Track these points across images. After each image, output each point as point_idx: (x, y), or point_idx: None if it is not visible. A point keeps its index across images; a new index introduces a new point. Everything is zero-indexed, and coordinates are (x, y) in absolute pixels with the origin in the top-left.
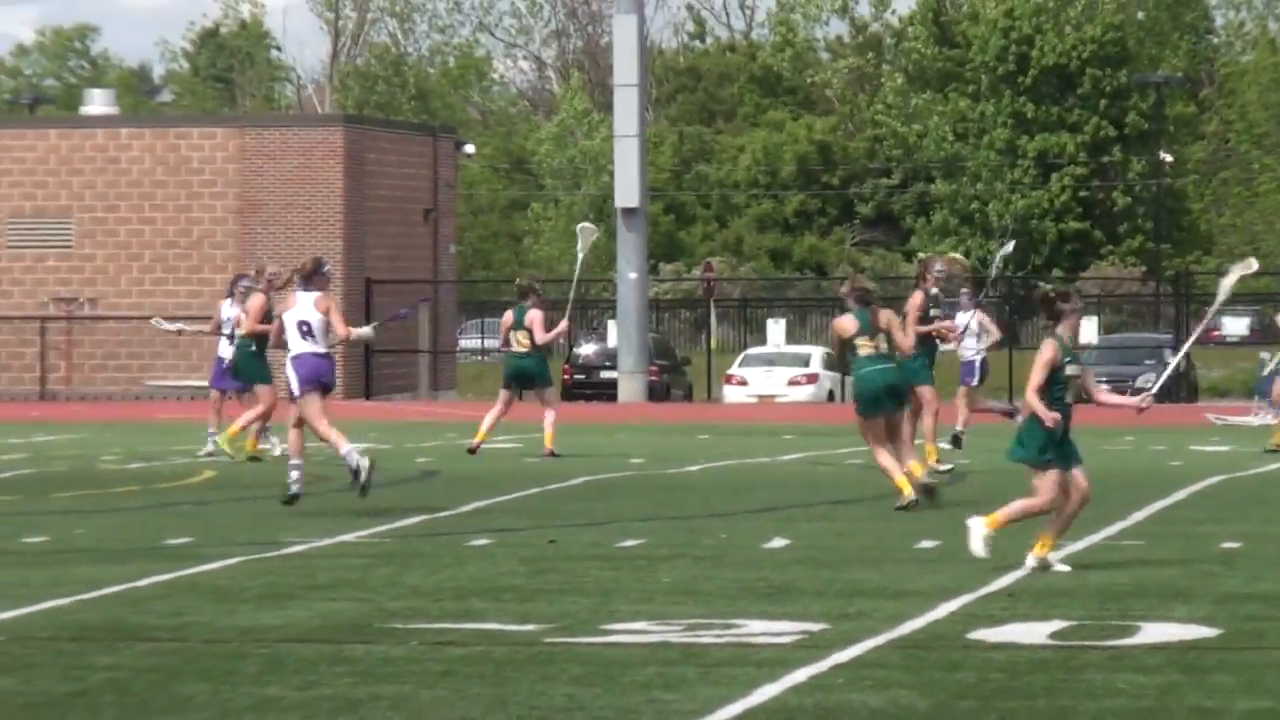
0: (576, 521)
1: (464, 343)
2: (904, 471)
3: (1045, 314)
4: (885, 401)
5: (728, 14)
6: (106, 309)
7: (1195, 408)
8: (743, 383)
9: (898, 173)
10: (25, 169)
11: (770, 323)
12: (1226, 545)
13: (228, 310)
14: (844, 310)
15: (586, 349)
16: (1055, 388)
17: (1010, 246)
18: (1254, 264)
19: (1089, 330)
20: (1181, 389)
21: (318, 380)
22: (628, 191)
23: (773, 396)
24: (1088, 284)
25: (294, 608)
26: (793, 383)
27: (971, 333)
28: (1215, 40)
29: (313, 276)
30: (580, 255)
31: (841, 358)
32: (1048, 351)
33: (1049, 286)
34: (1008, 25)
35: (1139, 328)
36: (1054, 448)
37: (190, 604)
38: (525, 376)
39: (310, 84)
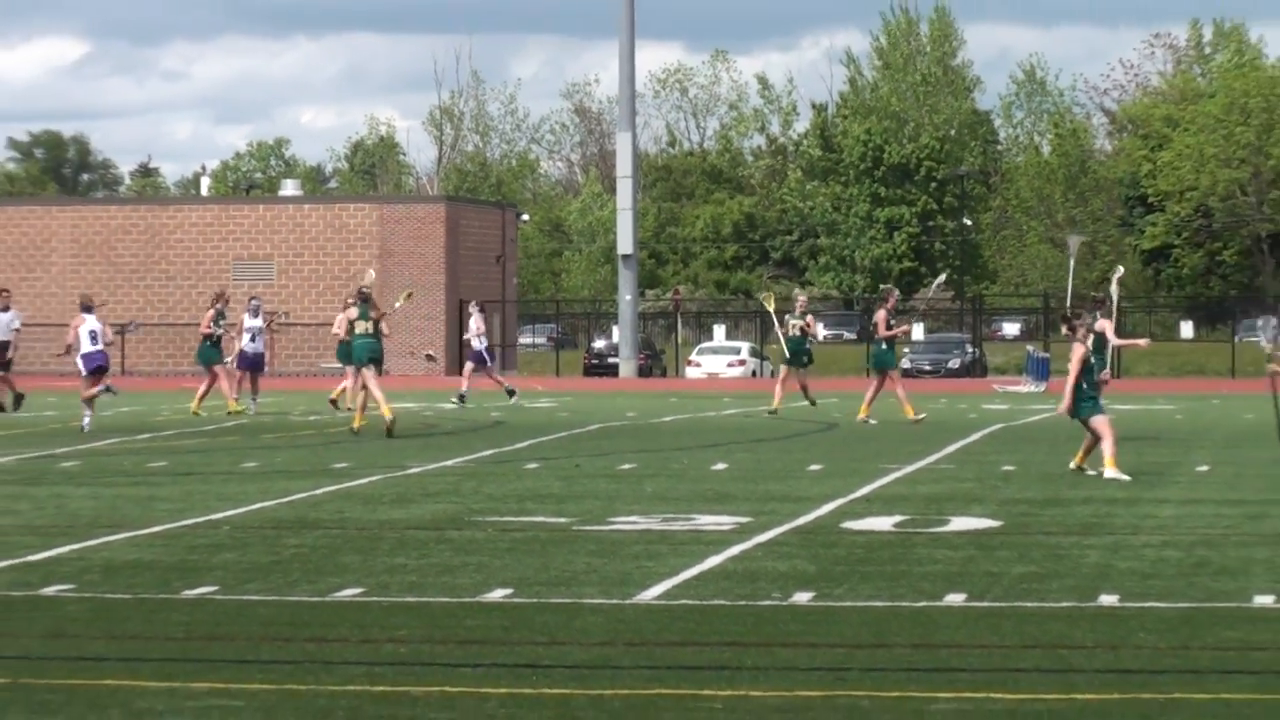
0: (592, 453)
1: (522, 339)
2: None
3: (1065, 328)
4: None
5: (688, 132)
6: (295, 318)
7: (985, 380)
8: (698, 365)
9: (796, 231)
10: (244, 230)
11: (715, 327)
12: (1005, 468)
13: (249, 321)
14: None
15: (599, 344)
16: (1088, 374)
17: (943, 277)
18: (1120, 269)
19: (918, 331)
20: (976, 369)
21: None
22: (625, 243)
23: (717, 374)
24: (918, 303)
25: (413, 507)
26: (730, 365)
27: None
28: (1000, 147)
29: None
30: (396, 305)
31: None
32: (1079, 351)
33: (1066, 310)
34: (867, 139)
35: (949, 330)
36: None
37: (347, 505)
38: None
39: (424, 176)
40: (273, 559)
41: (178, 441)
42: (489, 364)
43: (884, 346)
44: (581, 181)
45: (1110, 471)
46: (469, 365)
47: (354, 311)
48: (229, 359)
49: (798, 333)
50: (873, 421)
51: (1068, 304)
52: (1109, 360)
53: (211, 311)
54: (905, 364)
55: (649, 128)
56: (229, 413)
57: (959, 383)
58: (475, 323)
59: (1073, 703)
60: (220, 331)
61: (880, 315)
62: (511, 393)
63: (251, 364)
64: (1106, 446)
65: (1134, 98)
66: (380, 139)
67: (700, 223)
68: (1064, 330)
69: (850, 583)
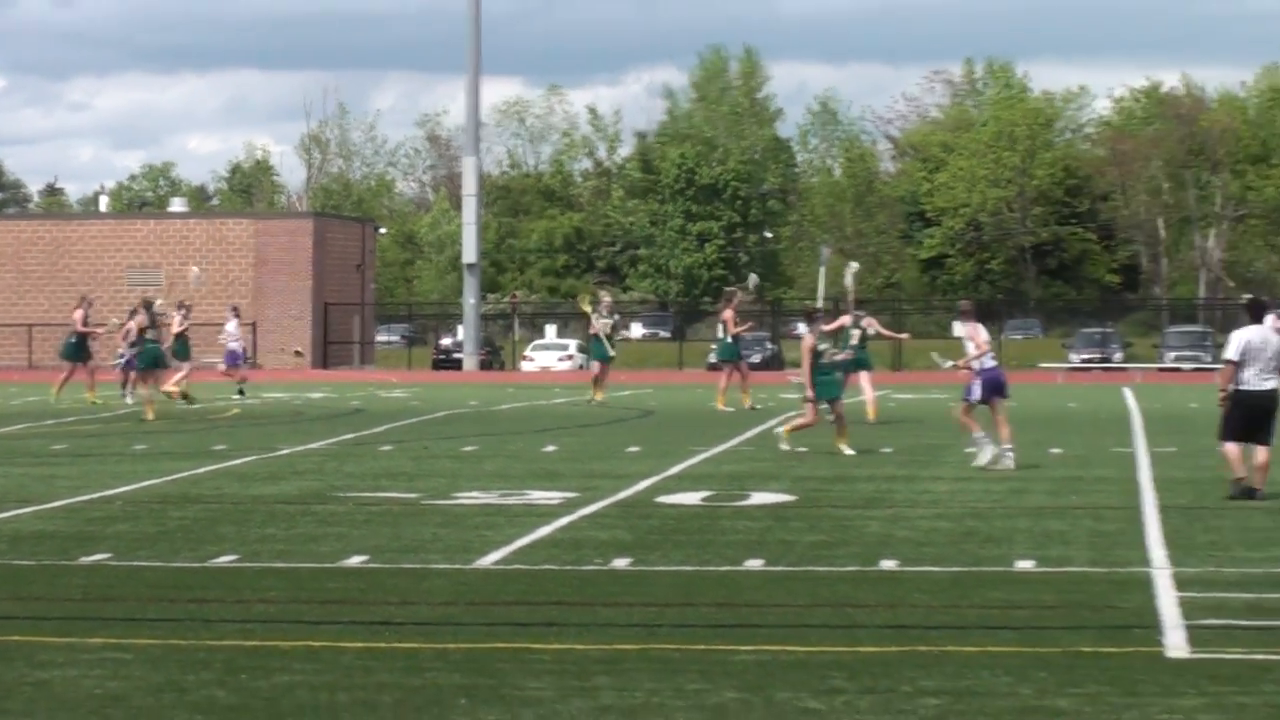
0: (439, 436)
1: (379, 337)
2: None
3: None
4: None
5: (526, 156)
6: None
7: (782, 373)
8: (532, 360)
9: (619, 243)
10: (137, 241)
11: (547, 327)
12: (799, 449)
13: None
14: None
15: (446, 341)
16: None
17: (754, 278)
18: (854, 265)
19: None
20: (775, 363)
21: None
22: (470, 254)
23: (549, 368)
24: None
25: (282, 484)
26: (560, 360)
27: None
28: (797, 169)
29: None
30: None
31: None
32: (808, 341)
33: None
34: (682, 162)
35: (754, 330)
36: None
37: (224, 483)
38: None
39: (295, 195)
40: (159, 529)
41: (77, 427)
42: (239, 363)
43: (729, 340)
44: (432, 199)
45: (785, 444)
46: (221, 365)
47: (144, 319)
48: (118, 354)
49: (609, 330)
50: (729, 409)
51: (818, 305)
52: (857, 351)
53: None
54: (712, 358)
55: (491, 153)
56: (90, 403)
57: (760, 375)
58: (231, 327)
59: (857, 654)
60: (105, 330)
61: (728, 314)
62: (241, 391)
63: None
64: (800, 421)
65: (914, 126)
66: (256, 162)
67: (535, 235)
68: (803, 325)
69: (663, 550)
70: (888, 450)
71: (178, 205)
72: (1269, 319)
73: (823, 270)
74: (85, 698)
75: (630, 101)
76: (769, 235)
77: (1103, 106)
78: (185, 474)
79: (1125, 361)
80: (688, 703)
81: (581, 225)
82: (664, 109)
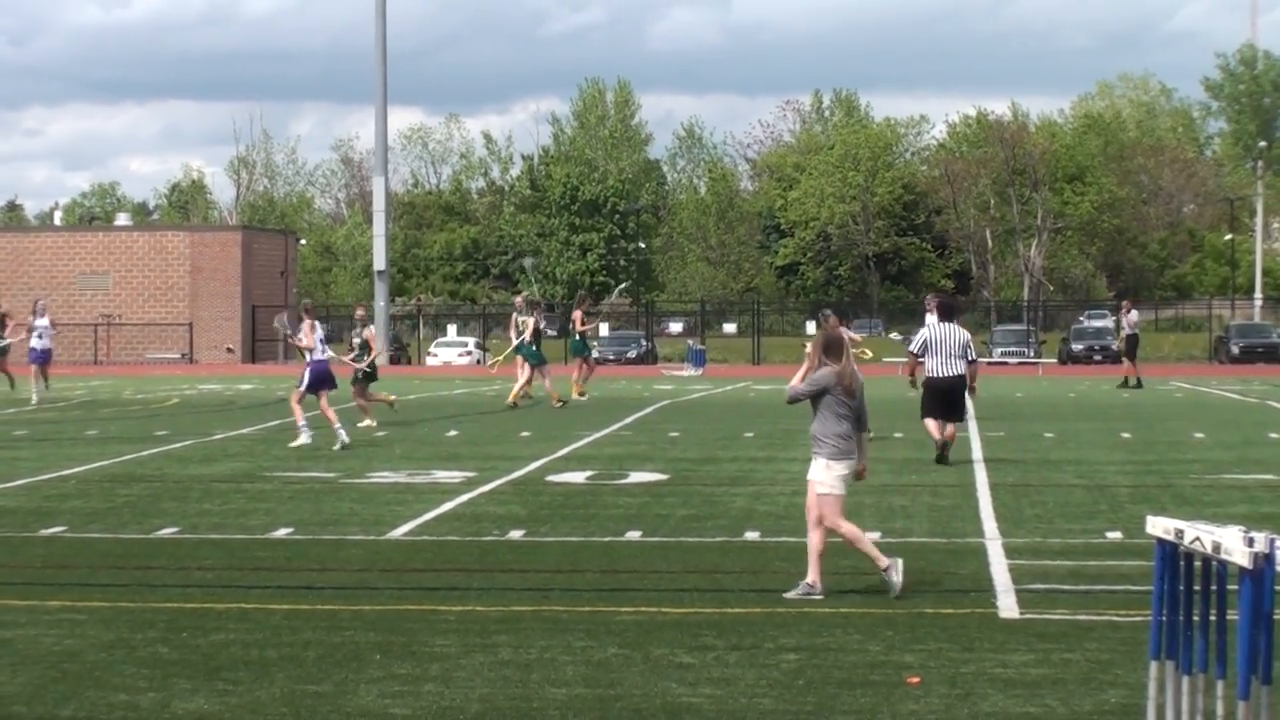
0: (355, 423)
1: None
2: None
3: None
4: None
5: (428, 176)
6: (124, 319)
7: (656, 367)
8: (435, 356)
9: (511, 252)
10: (87, 251)
11: (449, 326)
12: (672, 434)
13: (36, 321)
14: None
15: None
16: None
17: (622, 286)
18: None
19: (604, 328)
20: (649, 358)
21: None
22: (380, 262)
23: (450, 362)
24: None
25: (217, 465)
26: (460, 355)
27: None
28: (667, 187)
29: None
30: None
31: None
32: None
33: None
34: (566, 180)
35: (629, 328)
36: None
37: (166, 464)
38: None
39: (225, 210)
40: (109, 505)
41: (35, 415)
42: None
43: (578, 338)
44: (346, 214)
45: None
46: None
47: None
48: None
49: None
50: (585, 398)
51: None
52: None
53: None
54: (595, 354)
55: (398, 173)
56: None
57: (636, 368)
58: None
59: (725, 615)
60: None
61: (577, 314)
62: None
63: (40, 358)
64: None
65: (770, 149)
66: (192, 182)
67: (437, 246)
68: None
69: (553, 523)
70: (749, 435)
71: (123, 220)
72: (930, 319)
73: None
74: (45, 654)
75: (519, 127)
76: (643, 246)
77: (939, 132)
78: (131, 456)
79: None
80: (576, 658)
81: (478, 237)
82: (550, 134)
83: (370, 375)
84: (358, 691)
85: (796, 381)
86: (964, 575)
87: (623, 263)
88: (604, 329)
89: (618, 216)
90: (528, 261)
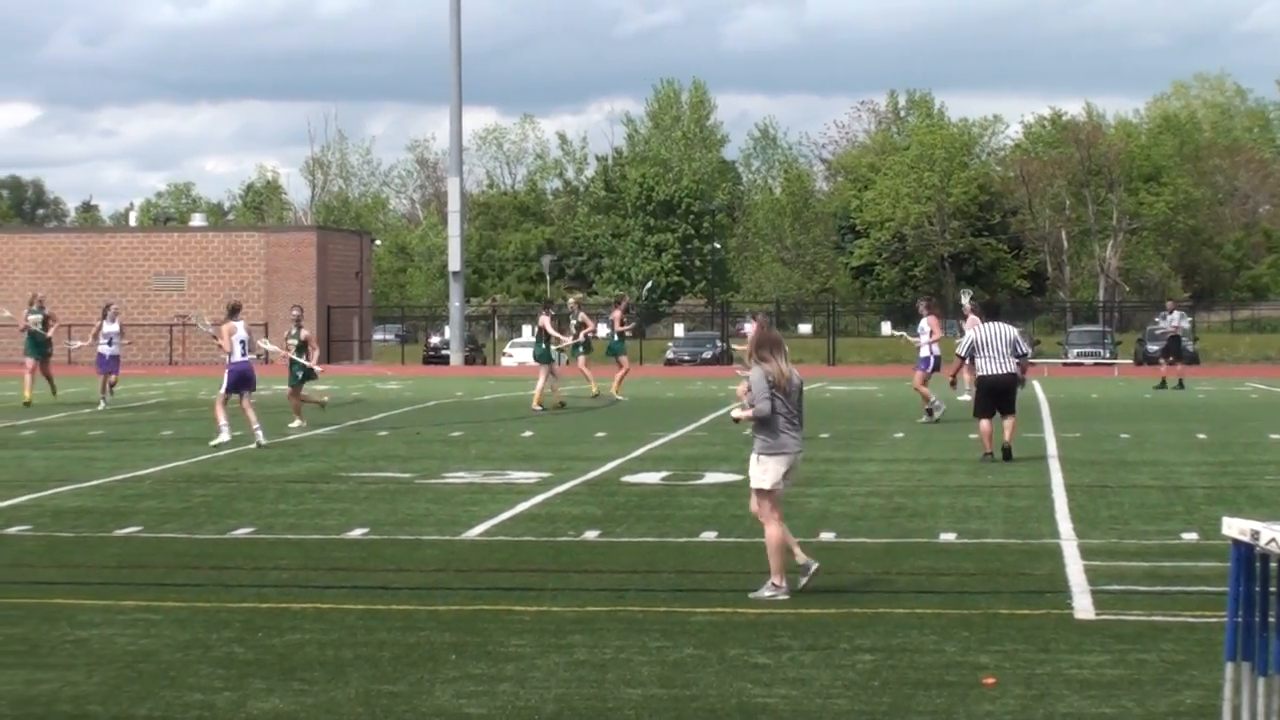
0: (429, 423)
1: (375, 336)
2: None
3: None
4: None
5: (503, 176)
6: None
7: (731, 367)
8: (510, 356)
9: (585, 253)
10: (162, 252)
11: (524, 326)
12: (746, 433)
13: (107, 326)
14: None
15: (435, 339)
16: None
17: (649, 284)
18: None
19: (679, 329)
20: (724, 358)
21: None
22: (455, 262)
23: (525, 363)
24: (678, 309)
25: (292, 465)
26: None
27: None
28: (742, 188)
29: (236, 310)
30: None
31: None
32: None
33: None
34: (641, 181)
35: (704, 329)
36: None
37: (241, 464)
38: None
39: (300, 211)
40: (184, 505)
41: (111, 415)
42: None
43: (616, 338)
44: (421, 215)
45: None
46: None
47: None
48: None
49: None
50: (623, 398)
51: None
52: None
53: (24, 312)
54: (669, 354)
55: (472, 173)
56: (23, 404)
57: (711, 369)
58: (111, 328)
59: (800, 615)
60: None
61: (616, 315)
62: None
63: (108, 366)
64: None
65: (845, 150)
66: (267, 182)
67: (512, 246)
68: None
69: (628, 523)
70: (825, 435)
71: (198, 220)
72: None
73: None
74: (120, 653)
75: (593, 128)
76: (718, 246)
77: (1014, 132)
78: (206, 457)
79: (1034, 358)
80: (651, 658)
81: (552, 237)
82: (624, 135)
83: (309, 375)
84: (433, 691)
85: (747, 405)
86: (1039, 576)
87: (697, 263)
88: (679, 329)
89: (692, 217)
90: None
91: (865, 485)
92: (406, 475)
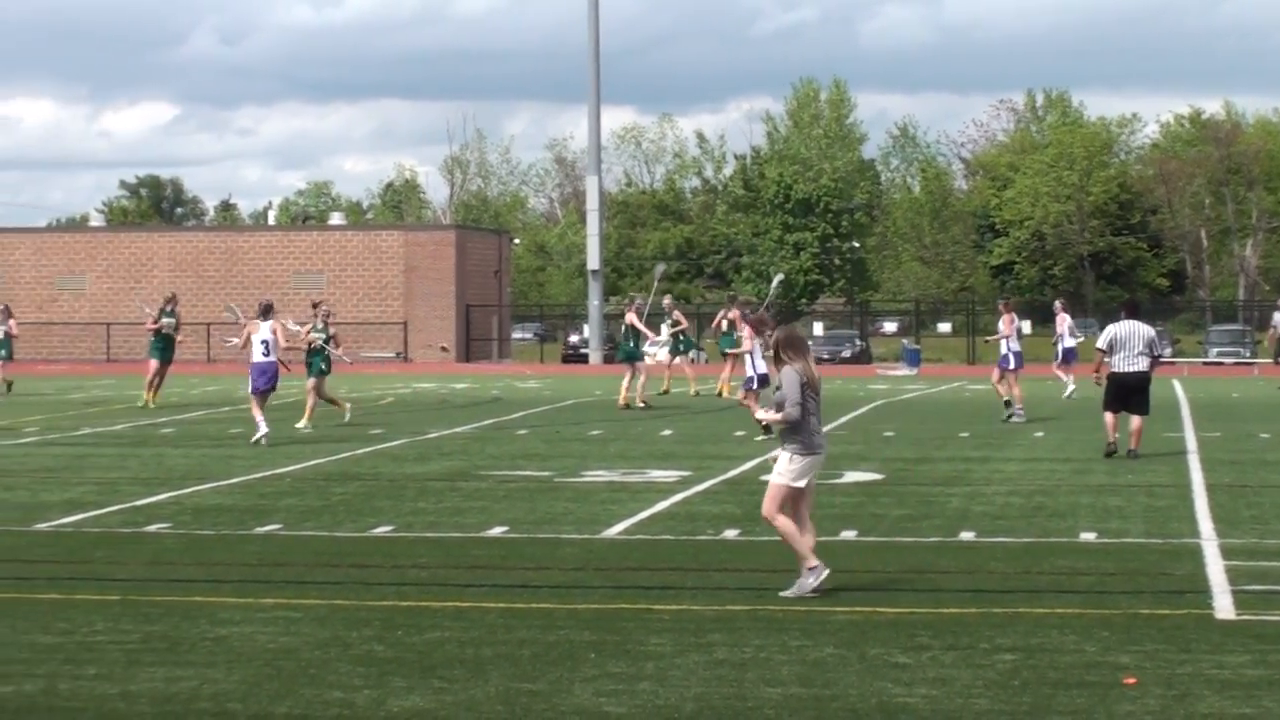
0: (569, 422)
1: (514, 335)
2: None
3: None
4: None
5: (641, 175)
6: (338, 318)
7: (870, 366)
8: (651, 355)
9: (724, 252)
10: (301, 251)
11: (663, 326)
12: (886, 434)
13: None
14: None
15: (574, 338)
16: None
17: (780, 276)
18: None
19: (818, 327)
20: (863, 357)
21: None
22: (594, 261)
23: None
24: (817, 307)
25: (431, 464)
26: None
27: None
28: (881, 186)
29: (267, 311)
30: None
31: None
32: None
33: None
34: (780, 180)
35: (843, 328)
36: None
37: (380, 462)
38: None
39: (439, 209)
40: (324, 503)
41: (251, 413)
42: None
43: (729, 337)
44: (560, 213)
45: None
46: None
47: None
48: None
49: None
50: (729, 396)
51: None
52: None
53: (154, 311)
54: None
55: (611, 172)
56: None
57: (850, 368)
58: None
59: (940, 615)
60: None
61: (735, 314)
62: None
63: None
64: None
65: (983, 148)
66: (405, 181)
67: (651, 245)
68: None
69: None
70: (965, 435)
71: (337, 219)
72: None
73: (655, 283)
74: (260, 651)
75: (731, 126)
76: (857, 245)
77: (1151, 131)
78: (346, 455)
79: (1174, 357)
80: (791, 657)
81: (691, 236)
82: (763, 133)
83: (328, 367)
84: (572, 690)
85: (780, 408)
86: (1180, 576)
87: (837, 262)
88: (818, 328)
89: (831, 215)
90: (660, 267)
91: (1005, 484)
92: (545, 474)
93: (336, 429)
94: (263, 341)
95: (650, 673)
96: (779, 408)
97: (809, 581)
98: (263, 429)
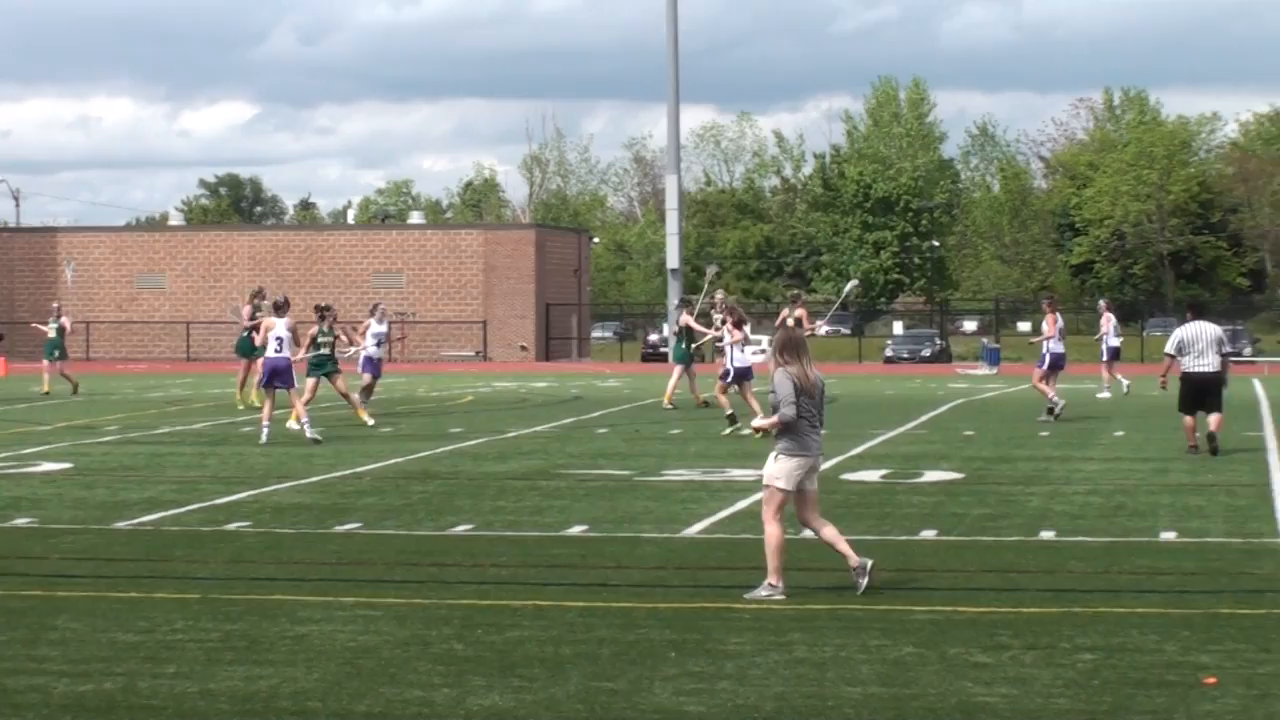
0: (648, 421)
1: (594, 333)
2: None
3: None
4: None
5: (721, 174)
6: (419, 317)
7: (950, 365)
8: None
9: (804, 250)
10: (381, 249)
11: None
12: (966, 433)
13: (375, 326)
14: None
15: (654, 337)
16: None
17: (854, 283)
18: (855, 282)
19: (898, 326)
20: (943, 356)
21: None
22: (673, 260)
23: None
24: (897, 306)
25: (511, 463)
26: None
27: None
28: (960, 185)
29: (281, 308)
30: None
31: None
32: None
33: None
34: (859, 178)
35: (923, 327)
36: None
37: (460, 461)
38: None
39: (519, 208)
40: (403, 502)
41: (329, 412)
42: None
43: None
44: (639, 212)
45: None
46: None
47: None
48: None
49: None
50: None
51: (696, 309)
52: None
53: (248, 308)
54: (888, 352)
55: (690, 171)
56: (239, 406)
57: (930, 367)
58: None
59: (1020, 614)
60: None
61: (801, 312)
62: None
63: (372, 367)
64: None
65: (1063, 147)
66: (484, 180)
67: (730, 244)
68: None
69: (847, 521)
70: (1044, 435)
71: (416, 218)
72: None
73: (706, 284)
74: (339, 649)
75: (810, 125)
76: (937, 244)
77: (1231, 129)
78: (425, 453)
79: (1254, 355)
80: (871, 657)
81: (771, 235)
82: (842, 132)
83: (333, 369)
84: (652, 689)
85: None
86: (1261, 575)
87: (916, 261)
88: (898, 327)
89: (911, 214)
90: (711, 268)
91: (1085, 484)
92: (625, 472)
93: (407, 426)
94: (277, 338)
95: (730, 672)
96: (774, 410)
97: (776, 589)
98: (265, 431)
